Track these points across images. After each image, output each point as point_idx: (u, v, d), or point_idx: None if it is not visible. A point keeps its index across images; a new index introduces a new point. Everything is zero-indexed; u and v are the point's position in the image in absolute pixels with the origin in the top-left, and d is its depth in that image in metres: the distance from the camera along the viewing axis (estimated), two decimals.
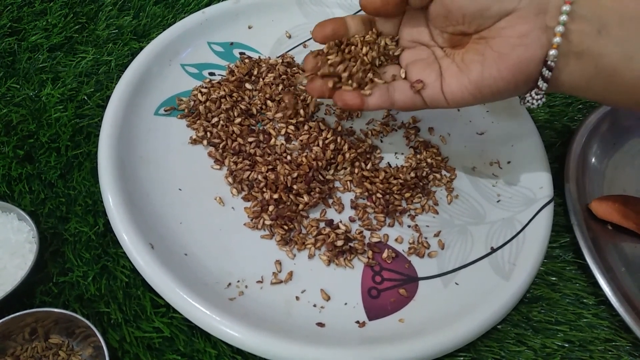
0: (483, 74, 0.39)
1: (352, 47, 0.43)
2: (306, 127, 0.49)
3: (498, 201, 0.49)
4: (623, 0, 0.36)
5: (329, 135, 0.48)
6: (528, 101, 0.40)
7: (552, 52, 0.37)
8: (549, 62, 0.37)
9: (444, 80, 0.41)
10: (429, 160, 0.50)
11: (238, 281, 0.41)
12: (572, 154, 0.52)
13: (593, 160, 0.53)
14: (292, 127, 0.49)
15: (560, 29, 0.36)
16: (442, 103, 0.42)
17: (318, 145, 0.48)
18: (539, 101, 0.40)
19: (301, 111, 0.50)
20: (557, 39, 0.37)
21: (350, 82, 0.43)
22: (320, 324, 0.40)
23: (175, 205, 0.44)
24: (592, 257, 0.45)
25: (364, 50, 0.43)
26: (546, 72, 0.38)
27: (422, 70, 0.42)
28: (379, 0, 0.41)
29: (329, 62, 0.43)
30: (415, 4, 0.41)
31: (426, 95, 0.42)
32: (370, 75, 0.43)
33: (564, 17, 0.36)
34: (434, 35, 0.43)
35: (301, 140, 0.48)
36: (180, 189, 0.45)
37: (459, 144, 0.53)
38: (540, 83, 0.39)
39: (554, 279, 0.46)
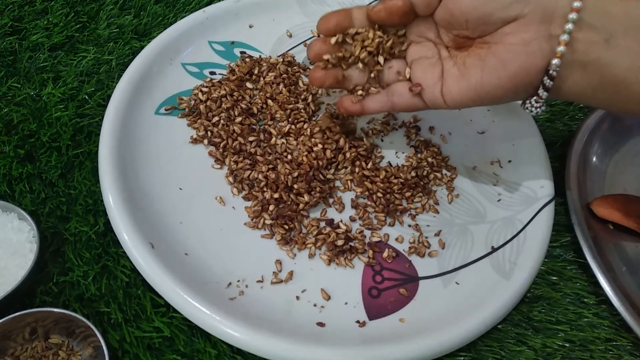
0: (482, 80, 0.39)
1: (353, 46, 0.43)
2: (306, 127, 0.49)
3: (499, 200, 0.49)
4: (632, 10, 0.35)
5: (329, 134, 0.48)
6: (527, 108, 0.40)
7: (555, 61, 0.36)
8: (551, 72, 0.37)
9: (444, 83, 0.41)
10: (429, 159, 0.50)
11: (238, 281, 0.41)
12: (573, 153, 0.51)
13: (594, 159, 0.53)
14: (293, 126, 0.49)
15: (565, 37, 0.35)
16: (441, 105, 0.42)
17: (318, 144, 0.48)
18: (539, 109, 0.40)
19: (302, 111, 0.50)
20: (561, 48, 0.36)
21: (349, 86, 0.44)
22: (321, 324, 0.40)
23: (176, 205, 0.44)
24: (593, 257, 0.45)
25: (362, 54, 0.43)
26: (547, 81, 0.37)
27: (425, 71, 0.42)
28: (383, 14, 0.41)
29: (328, 60, 0.43)
30: (423, 12, 0.41)
31: (426, 97, 0.42)
32: (363, 89, 0.44)
33: (570, 26, 0.35)
34: (440, 33, 0.42)
35: (302, 140, 0.48)
36: (180, 189, 0.45)
37: (459, 143, 0.52)
38: (541, 92, 0.38)
39: (554, 278, 0.46)
